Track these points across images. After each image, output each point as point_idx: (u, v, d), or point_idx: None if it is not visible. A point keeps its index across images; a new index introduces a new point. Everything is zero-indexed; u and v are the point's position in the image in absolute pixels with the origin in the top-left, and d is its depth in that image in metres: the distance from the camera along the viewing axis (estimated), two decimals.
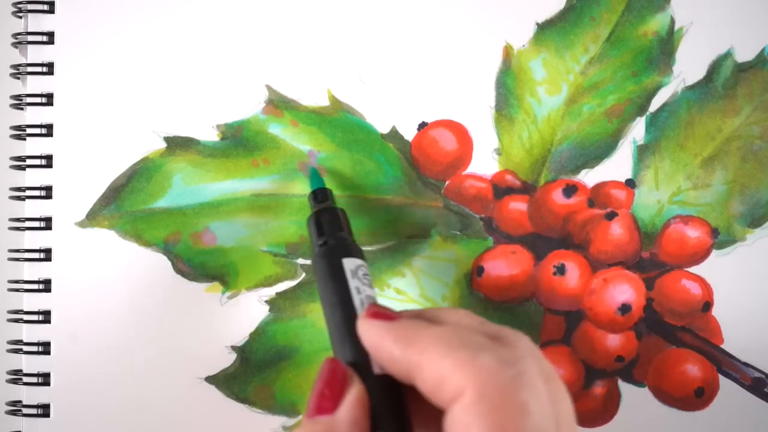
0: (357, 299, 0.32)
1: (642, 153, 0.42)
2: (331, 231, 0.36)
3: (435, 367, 0.27)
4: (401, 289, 0.41)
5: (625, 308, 0.41)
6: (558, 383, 0.28)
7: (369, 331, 0.30)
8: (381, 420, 0.29)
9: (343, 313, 0.32)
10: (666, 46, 0.42)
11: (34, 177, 0.41)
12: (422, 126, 0.42)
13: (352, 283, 0.32)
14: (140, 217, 0.41)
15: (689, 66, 0.42)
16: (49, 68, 0.41)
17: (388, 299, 0.41)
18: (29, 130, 0.41)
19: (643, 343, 0.41)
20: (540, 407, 0.26)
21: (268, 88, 0.41)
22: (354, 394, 0.29)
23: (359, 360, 0.30)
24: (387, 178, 0.41)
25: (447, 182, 0.42)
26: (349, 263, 0.33)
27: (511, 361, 0.27)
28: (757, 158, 0.42)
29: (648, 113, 0.42)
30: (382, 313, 0.30)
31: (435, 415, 0.28)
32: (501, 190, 0.42)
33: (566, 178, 0.42)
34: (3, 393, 0.41)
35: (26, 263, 0.41)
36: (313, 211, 0.37)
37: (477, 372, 0.26)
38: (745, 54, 0.42)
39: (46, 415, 0.40)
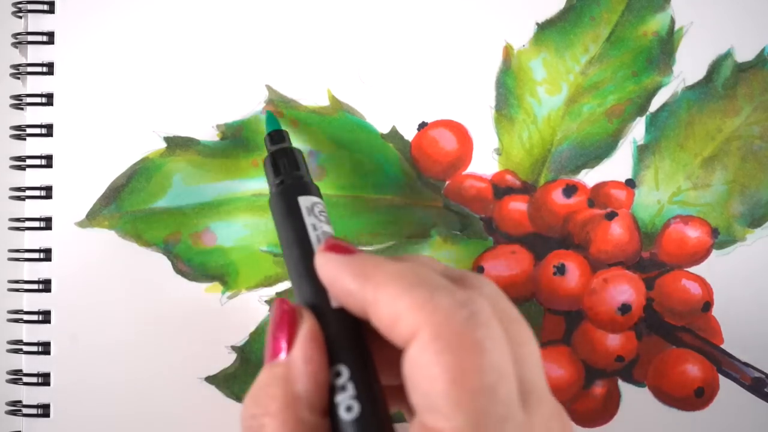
0: (313, 235, 0.32)
1: (642, 153, 0.42)
2: (287, 171, 0.35)
3: (390, 305, 0.27)
4: None
5: (625, 308, 0.41)
6: (521, 326, 0.28)
7: (326, 265, 0.29)
8: (338, 354, 0.28)
9: (300, 250, 0.31)
10: (666, 46, 0.42)
11: (34, 177, 0.41)
12: (422, 126, 0.42)
13: (308, 220, 0.32)
14: (140, 217, 0.41)
15: (689, 66, 0.42)
16: (49, 68, 0.41)
17: None
18: (29, 130, 0.41)
19: (643, 343, 0.41)
20: (496, 345, 0.26)
21: (268, 88, 0.41)
22: (305, 331, 0.28)
23: (317, 296, 0.30)
24: (387, 178, 0.41)
25: (447, 182, 0.42)
26: (304, 201, 0.33)
27: (467, 302, 0.26)
28: (757, 158, 0.42)
29: (648, 113, 0.42)
30: (340, 246, 0.30)
31: (394, 352, 0.27)
32: (501, 190, 0.42)
33: (566, 178, 0.42)
34: (3, 393, 0.41)
35: (26, 263, 0.41)
36: (269, 152, 0.37)
37: (432, 312, 0.26)
38: (745, 54, 0.42)
39: (46, 415, 0.40)
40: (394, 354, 0.28)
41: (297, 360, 0.28)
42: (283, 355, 0.28)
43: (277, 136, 0.38)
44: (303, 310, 0.29)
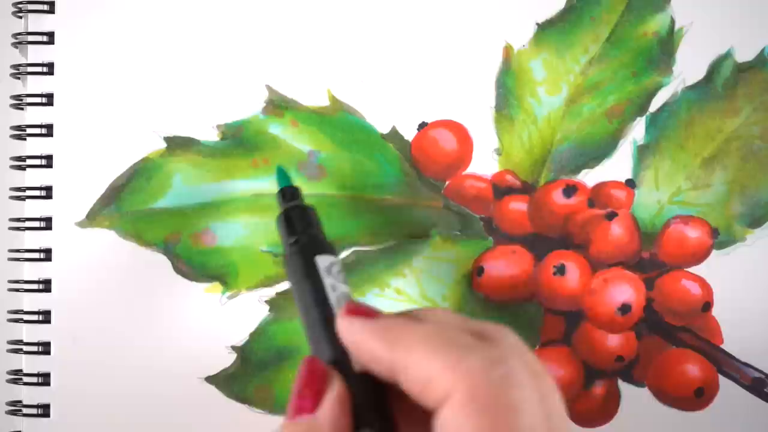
0: (333, 297, 0.31)
1: (642, 153, 0.42)
2: (302, 229, 0.34)
3: (421, 367, 0.27)
4: (401, 289, 0.41)
5: (625, 308, 0.41)
6: (545, 378, 0.28)
7: (349, 330, 0.29)
8: (363, 417, 0.28)
9: (319, 311, 0.31)
10: (666, 46, 0.42)
11: (34, 177, 0.41)
12: (422, 126, 0.42)
13: (327, 281, 0.32)
14: (140, 217, 0.41)
15: (689, 66, 0.42)
16: (49, 68, 0.41)
17: (388, 299, 0.41)
18: (29, 130, 0.41)
19: (643, 343, 0.41)
20: (531, 405, 0.26)
21: (268, 88, 0.41)
22: (334, 392, 0.28)
23: (338, 358, 0.29)
24: (387, 178, 0.41)
25: (447, 182, 0.42)
26: (322, 260, 0.32)
27: (499, 360, 0.27)
28: (757, 158, 0.42)
29: (648, 113, 0.42)
30: (362, 310, 0.30)
31: (418, 413, 0.27)
32: (501, 190, 0.42)
33: (566, 178, 0.42)
34: (3, 393, 0.41)
35: (26, 263, 0.41)
36: (282, 209, 0.36)
37: (465, 373, 0.26)
38: (745, 54, 0.42)
39: (46, 415, 0.40)
40: (418, 417, 0.28)
41: (323, 421, 0.28)
42: (307, 415, 0.28)
43: (290, 193, 0.36)
44: (333, 372, 0.29)
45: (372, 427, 0.28)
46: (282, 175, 0.37)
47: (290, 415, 0.28)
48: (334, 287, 0.31)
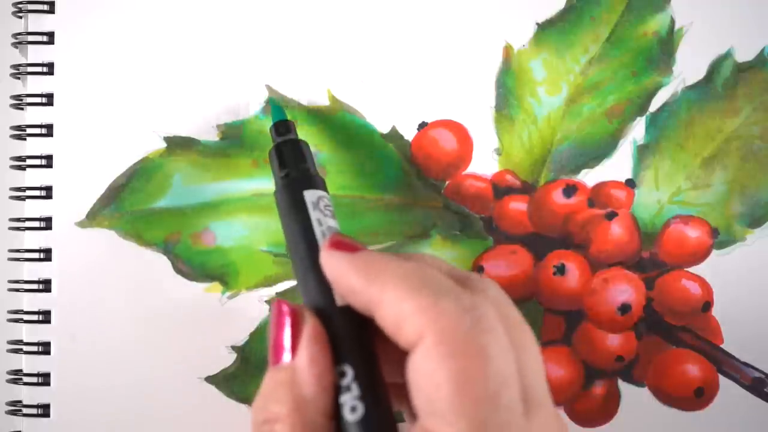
0: (318, 231, 0.31)
1: (642, 153, 0.42)
2: (293, 163, 0.35)
3: (395, 307, 0.26)
4: None
5: (625, 308, 0.41)
6: (524, 331, 0.28)
7: (331, 262, 0.29)
8: (343, 353, 0.28)
9: (306, 245, 0.31)
10: (666, 46, 0.42)
11: (34, 177, 0.41)
12: (422, 126, 0.42)
13: (314, 215, 0.31)
14: (140, 217, 0.41)
15: (689, 66, 0.42)
16: (49, 68, 0.41)
17: None
18: (29, 130, 0.41)
19: (643, 343, 0.41)
20: (500, 351, 0.26)
21: (268, 88, 0.41)
22: (308, 332, 0.28)
23: (323, 293, 0.29)
24: (387, 178, 0.41)
25: (447, 182, 0.42)
26: (310, 195, 0.32)
27: (472, 306, 0.26)
28: (757, 158, 0.42)
29: (648, 113, 0.42)
30: (345, 243, 0.29)
31: (400, 352, 0.27)
32: (501, 190, 0.42)
33: (566, 178, 0.42)
34: (3, 393, 0.41)
35: (26, 263, 0.41)
36: (274, 143, 0.36)
37: (436, 317, 0.26)
38: (745, 54, 0.42)
39: (46, 415, 0.40)
40: (399, 352, 0.27)
41: (302, 363, 0.27)
42: (287, 358, 0.28)
43: (282, 128, 0.36)
44: (305, 311, 0.29)
45: (351, 363, 0.28)
46: (276, 108, 0.37)
47: (270, 363, 0.28)
48: (321, 222, 0.31)
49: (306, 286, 0.30)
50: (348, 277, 0.28)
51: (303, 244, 0.31)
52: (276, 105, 0.38)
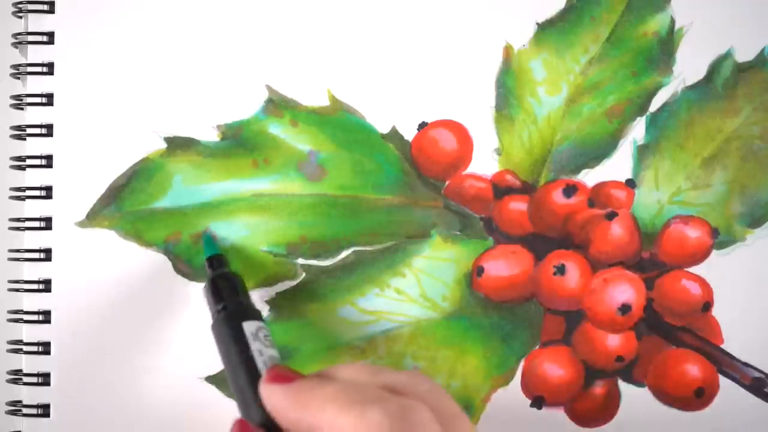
0: (260, 361, 0.33)
1: (642, 153, 0.42)
2: (229, 296, 0.36)
3: (334, 426, 0.28)
4: (401, 289, 0.41)
5: (625, 308, 0.41)
6: (462, 421, 0.29)
7: (269, 396, 0.31)
8: None
9: (247, 376, 0.32)
10: (666, 46, 0.42)
11: (34, 177, 0.41)
12: (422, 126, 0.42)
13: (254, 346, 0.33)
14: (140, 217, 0.41)
15: (689, 66, 0.42)
16: (49, 68, 0.41)
17: (388, 299, 0.41)
18: (29, 130, 0.41)
19: (643, 343, 0.41)
20: None
21: (268, 88, 0.41)
22: None
23: (267, 422, 0.31)
24: (387, 178, 0.41)
25: (447, 182, 0.42)
26: (249, 326, 0.34)
27: (401, 413, 0.28)
28: (757, 158, 0.42)
29: (648, 113, 0.42)
30: (282, 375, 0.31)
31: None
32: (501, 190, 0.42)
33: (566, 178, 0.42)
34: (3, 393, 0.41)
35: (26, 263, 0.41)
36: (209, 277, 0.37)
37: (366, 428, 0.27)
38: (745, 54, 0.42)
39: (46, 415, 0.40)
40: None
41: None
42: None
43: (216, 262, 0.38)
44: None
45: None
46: (209, 242, 0.39)
47: None
48: (261, 352, 0.33)
49: (252, 415, 0.32)
50: (284, 409, 0.30)
51: (245, 375, 0.32)
52: (209, 239, 0.40)
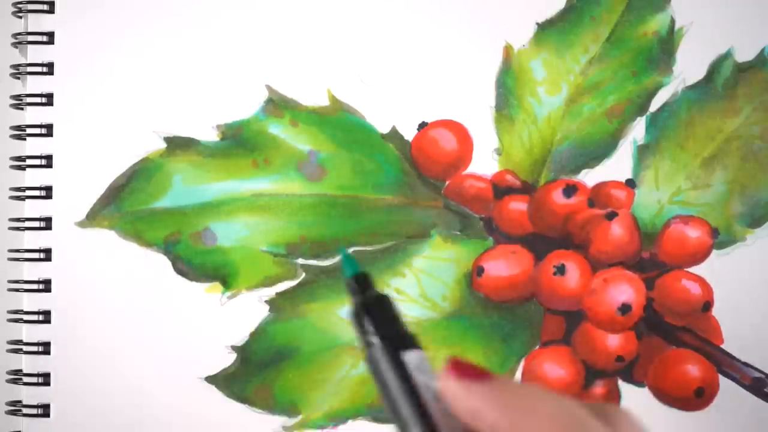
0: (428, 397, 0.28)
1: (642, 153, 0.42)
2: (385, 322, 0.30)
3: None
4: (401, 289, 0.41)
5: (625, 308, 0.41)
6: None
7: (460, 395, 0.26)
8: None
9: (419, 417, 0.27)
10: (666, 46, 0.42)
11: (34, 177, 0.41)
12: (422, 126, 0.42)
13: (421, 379, 0.28)
14: (140, 217, 0.41)
15: (689, 66, 0.42)
16: (49, 68, 0.41)
17: None
18: (29, 130, 0.41)
19: (643, 343, 0.41)
20: None
21: (268, 88, 0.41)
22: None
23: None
24: (387, 178, 0.41)
25: (447, 182, 0.42)
26: (411, 357, 0.29)
27: None
28: (757, 158, 0.42)
29: (648, 113, 0.42)
30: (471, 370, 0.26)
31: None
32: (501, 190, 0.42)
33: (566, 178, 0.42)
34: (3, 393, 0.41)
35: (26, 263, 0.41)
36: (358, 300, 0.31)
37: None
38: (745, 54, 0.42)
39: (46, 415, 0.40)
40: None
41: None
42: None
43: (364, 281, 0.31)
44: None
45: None
46: (348, 260, 0.32)
47: None
48: (428, 386, 0.28)
49: None
50: (484, 413, 0.25)
51: (416, 416, 0.27)
52: (346, 255, 0.32)
